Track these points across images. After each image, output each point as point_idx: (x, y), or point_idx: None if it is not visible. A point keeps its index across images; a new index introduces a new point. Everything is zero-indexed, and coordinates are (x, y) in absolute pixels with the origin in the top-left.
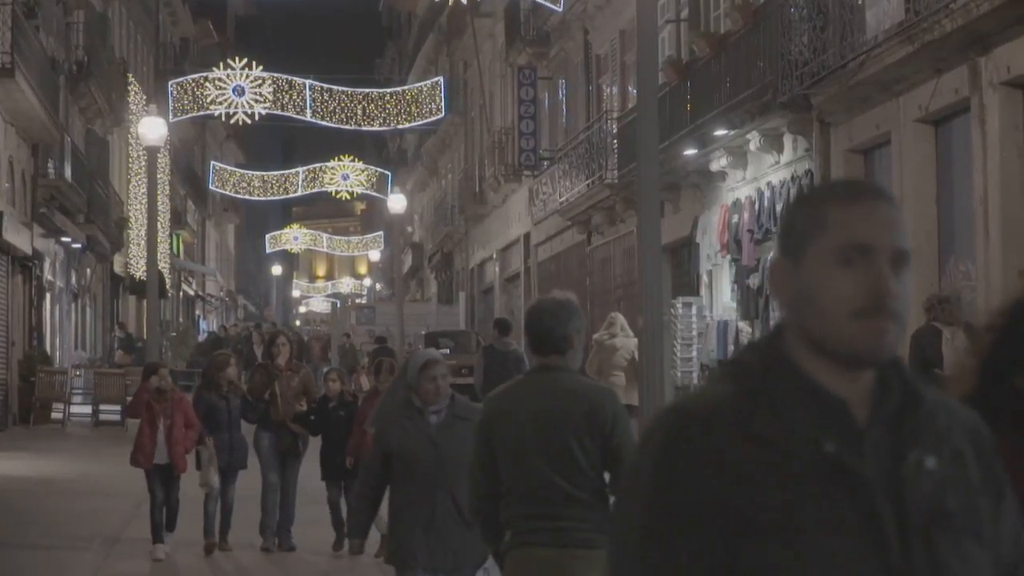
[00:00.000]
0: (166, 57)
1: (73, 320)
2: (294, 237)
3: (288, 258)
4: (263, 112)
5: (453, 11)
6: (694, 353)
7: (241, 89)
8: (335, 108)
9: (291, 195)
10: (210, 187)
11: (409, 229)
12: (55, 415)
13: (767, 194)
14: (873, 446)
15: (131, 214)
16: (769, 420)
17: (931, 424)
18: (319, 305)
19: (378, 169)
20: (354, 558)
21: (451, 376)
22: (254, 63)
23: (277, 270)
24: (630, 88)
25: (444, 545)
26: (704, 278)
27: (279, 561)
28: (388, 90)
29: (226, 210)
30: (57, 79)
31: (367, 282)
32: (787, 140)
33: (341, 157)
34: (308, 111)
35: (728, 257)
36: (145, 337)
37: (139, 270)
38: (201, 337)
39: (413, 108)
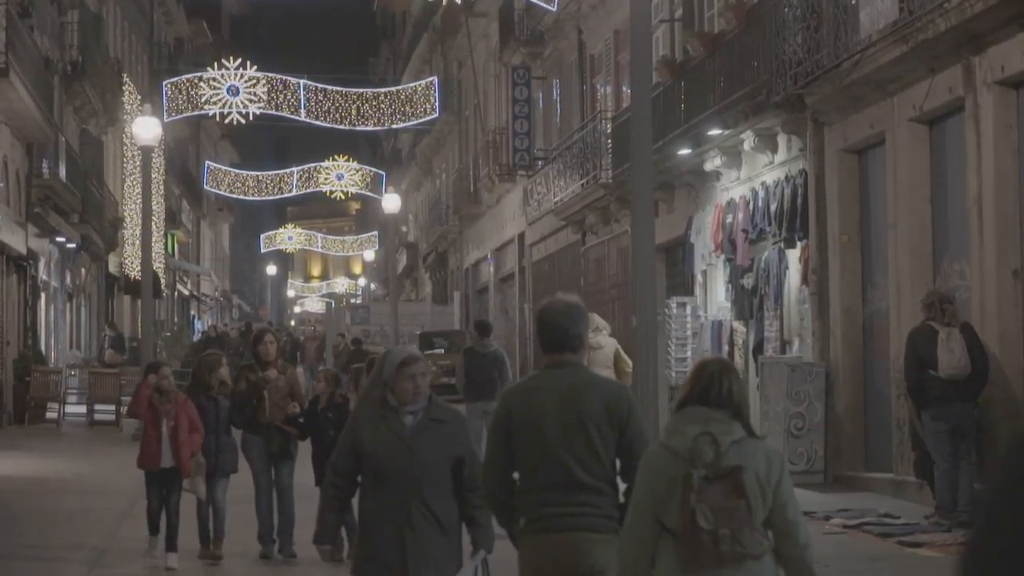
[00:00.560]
0: (160, 57)
1: (68, 320)
2: (289, 237)
3: (283, 258)
4: (257, 112)
5: (447, 11)
6: (688, 353)
7: (235, 89)
8: (329, 108)
9: (285, 195)
10: (204, 187)
11: (404, 229)
12: (50, 415)
13: (761, 194)
14: None
15: (125, 214)
16: None
17: None
18: (314, 305)
19: (372, 169)
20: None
21: (443, 376)
22: (248, 63)
23: (272, 270)
24: (624, 88)
25: (421, 554)
26: (698, 278)
27: (279, 571)
28: (382, 90)
29: (220, 210)
30: (51, 79)
31: (362, 282)
32: (781, 140)
33: (335, 157)
34: (302, 111)
35: (722, 257)
36: (140, 337)
37: (134, 270)
38: (196, 337)
39: (407, 108)
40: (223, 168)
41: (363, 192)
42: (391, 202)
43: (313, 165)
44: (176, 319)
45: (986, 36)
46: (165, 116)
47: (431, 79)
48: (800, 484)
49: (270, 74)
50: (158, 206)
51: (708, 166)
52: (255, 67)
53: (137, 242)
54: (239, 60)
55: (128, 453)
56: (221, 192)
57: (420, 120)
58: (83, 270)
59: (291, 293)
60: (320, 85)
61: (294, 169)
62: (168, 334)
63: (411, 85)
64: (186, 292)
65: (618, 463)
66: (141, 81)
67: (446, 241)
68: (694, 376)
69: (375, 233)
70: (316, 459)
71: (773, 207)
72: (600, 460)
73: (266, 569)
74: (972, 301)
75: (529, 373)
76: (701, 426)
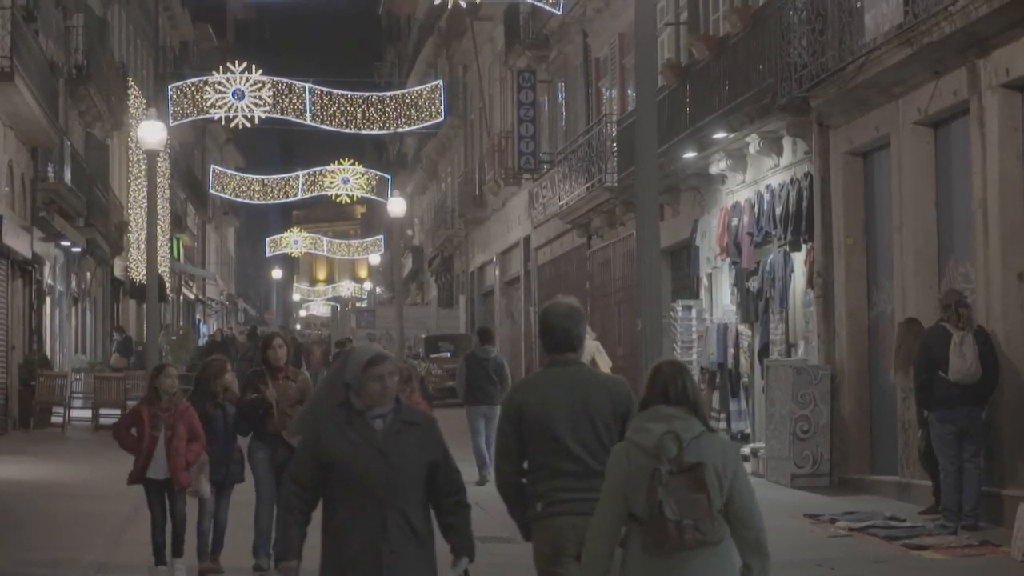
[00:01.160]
0: (165, 61)
1: (73, 324)
2: (294, 241)
3: (288, 262)
4: (263, 115)
5: (452, 14)
6: (694, 356)
7: (241, 93)
8: (335, 111)
9: (291, 199)
10: (210, 190)
11: (409, 232)
12: (55, 419)
13: (767, 197)
14: None
15: (131, 218)
16: None
17: None
18: (319, 308)
19: (378, 172)
20: None
21: (448, 380)
22: (254, 67)
23: (277, 274)
24: (629, 91)
25: (399, 568)
26: (704, 281)
27: None
28: (388, 93)
29: (226, 214)
30: (56, 83)
31: (367, 285)
32: (786, 143)
33: (341, 160)
34: (308, 114)
35: (727, 260)
36: (145, 341)
37: (139, 274)
38: (202, 341)
39: (413, 111)
40: (228, 172)
41: (368, 196)
42: (396, 206)
43: (318, 169)
44: (181, 323)
45: (991, 39)
46: (170, 120)
47: (436, 83)
48: (806, 487)
49: (275, 78)
50: (163, 210)
51: (713, 169)
52: (260, 71)
53: (142, 246)
54: (244, 64)
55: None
56: (226, 196)
57: (425, 124)
58: (88, 274)
59: (296, 297)
60: (325, 89)
61: (299, 173)
62: (174, 338)
63: (416, 89)
64: (191, 296)
65: None
66: (146, 85)
67: (451, 244)
68: (651, 378)
69: (380, 237)
70: None
71: (778, 210)
72: (606, 449)
73: None
74: (977, 304)
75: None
76: (665, 424)
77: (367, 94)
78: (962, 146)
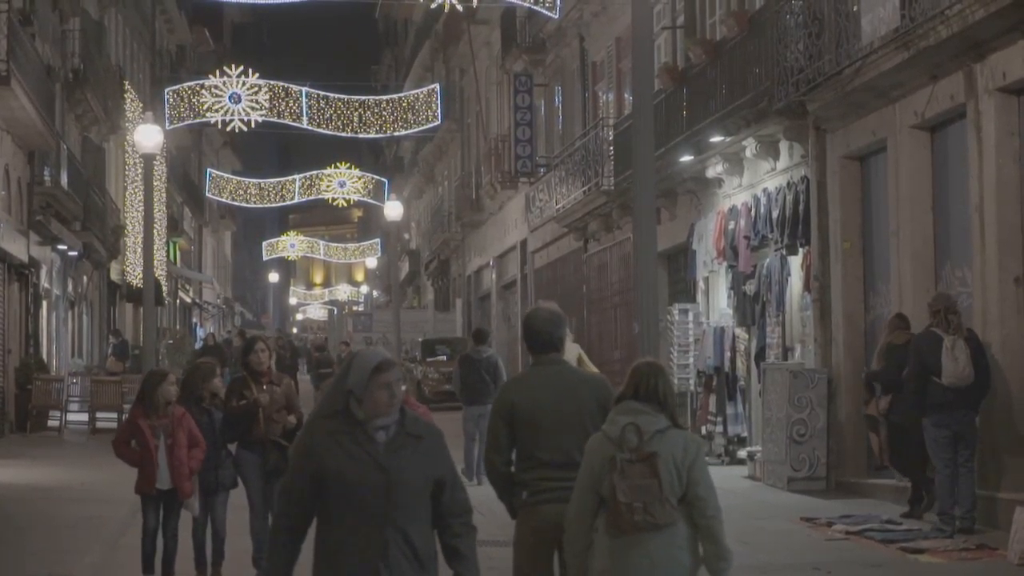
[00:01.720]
0: (162, 64)
1: (69, 328)
2: (291, 244)
3: (285, 265)
4: (259, 119)
5: (449, 18)
6: (691, 359)
7: (237, 96)
8: (331, 115)
9: (288, 202)
10: (207, 194)
11: (406, 236)
12: (52, 423)
13: (763, 200)
14: None
15: (127, 221)
16: None
17: None
18: (316, 312)
19: (375, 176)
20: None
21: (445, 383)
22: (250, 70)
23: (274, 277)
24: (626, 95)
25: None
26: (700, 284)
27: None
28: (384, 97)
29: (223, 217)
30: (53, 86)
31: (364, 289)
32: (783, 146)
33: (338, 164)
34: (304, 118)
35: (724, 263)
36: (142, 345)
37: (136, 277)
38: (199, 344)
39: (409, 115)
40: (225, 176)
41: (365, 199)
42: (393, 209)
43: (315, 172)
44: (178, 327)
45: (987, 43)
46: (167, 124)
47: (433, 86)
48: (802, 490)
49: (272, 81)
50: (160, 214)
51: (710, 173)
52: (257, 75)
53: (139, 250)
54: (241, 68)
55: None
56: (223, 200)
57: (422, 127)
58: (85, 278)
59: (293, 300)
60: (322, 92)
61: (296, 176)
62: (170, 341)
63: (413, 92)
64: (188, 300)
65: None
66: (143, 89)
67: (448, 248)
68: (629, 376)
69: (377, 240)
70: None
71: (775, 214)
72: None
73: None
74: (974, 308)
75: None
76: (631, 417)
77: (364, 98)
78: (959, 150)
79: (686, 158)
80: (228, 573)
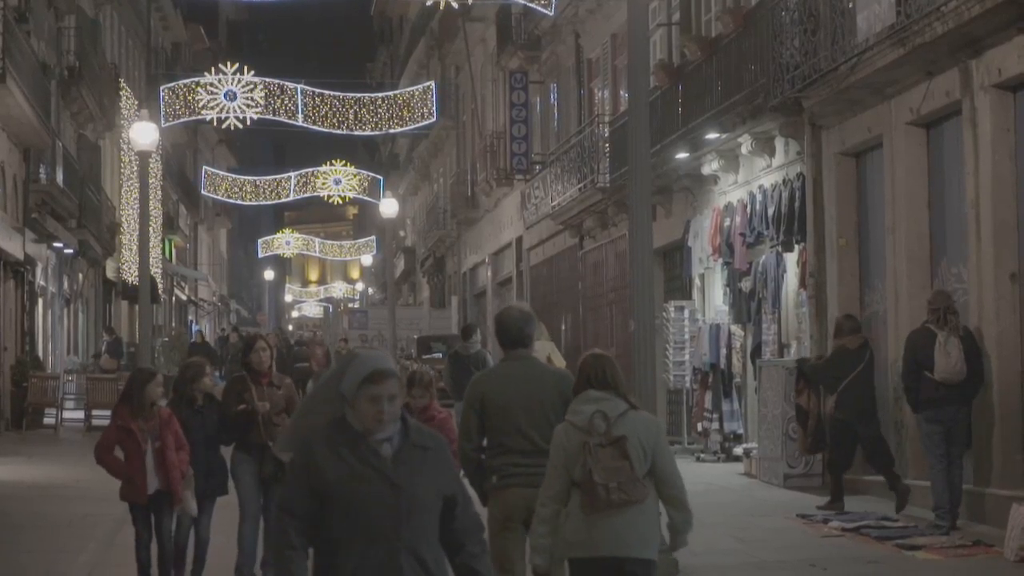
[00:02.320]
0: (158, 62)
1: (65, 325)
2: (286, 242)
3: (280, 263)
4: (255, 117)
5: (444, 15)
6: (686, 357)
7: (233, 94)
8: (327, 112)
9: (283, 199)
10: (202, 192)
11: (401, 233)
12: (47, 420)
13: (759, 197)
14: None
15: (123, 219)
16: None
17: None
18: (312, 310)
19: (370, 174)
20: None
21: (441, 381)
22: (246, 68)
23: (269, 275)
24: (621, 92)
25: None
26: (696, 281)
27: None
28: (380, 94)
29: (218, 215)
30: (48, 84)
31: (360, 286)
32: (779, 143)
33: (333, 161)
34: (300, 115)
35: (720, 260)
36: (138, 342)
37: (131, 275)
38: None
39: (405, 112)
40: (220, 173)
41: (361, 197)
42: (389, 207)
43: (311, 170)
44: (174, 324)
45: (983, 40)
46: (162, 121)
47: (428, 84)
48: (798, 487)
49: (267, 79)
50: (155, 211)
51: (706, 170)
52: (252, 72)
53: (135, 247)
54: (236, 65)
55: None
56: (219, 197)
57: (418, 125)
58: (80, 275)
59: (289, 298)
60: (317, 90)
61: (292, 174)
62: (166, 339)
63: (409, 90)
64: (184, 297)
65: None
66: (138, 86)
67: (444, 245)
68: (579, 369)
69: (373, 238)
70: None
71: (771, 211)
72: (552, 429)
73: None
74: (970, 305)
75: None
76: (594, 405)
77: (359, 95)
78: (955, 147)
79: (682, 155)
80: None
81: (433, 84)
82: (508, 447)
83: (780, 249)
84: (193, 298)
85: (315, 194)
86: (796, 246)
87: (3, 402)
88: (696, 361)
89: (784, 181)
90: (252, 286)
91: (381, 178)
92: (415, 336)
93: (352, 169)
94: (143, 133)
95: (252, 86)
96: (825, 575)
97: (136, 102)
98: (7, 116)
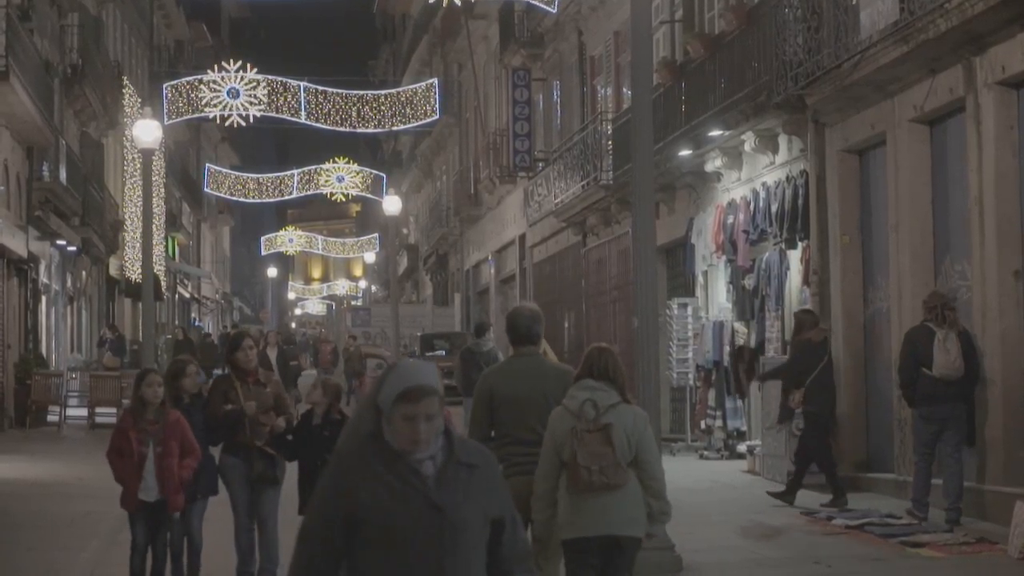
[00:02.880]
0: (160, 60)
1: (68, 323)
2: (289, 239)
3: (283, 260)
4: (257, 114)
5: (447, 13)
6: (689, 354)
7: (235, 91)
8: (330, 110)
9: (286, 197)
10: (205, 189)
11: (404, 231)
12: (51, 418)
13: (762, 195)
14: None
15: (126, 217)
16: None
17: None
18: (314, 307)
19: (373, 171)
20: None
21: (443, 378)
22: (248, 65)
23: (272, 272)
24: (624, 89)
25: None
26: (699, 279)
27: None
28: (382, 92)
29: (221, 212)
30: (51, 82)
31: (362, 284)
32: (782, 140)
33: (336, 159)
34: (303, 113)
35: (723, 258)
36: (141, 340)
37: (134, 273)
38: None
39: (408, 110)
40: (223, 171)
41: (363, 194)
42: (392, 204)
43: (313, 167)
44: (177, 322)
45: (987, 36)
46: (165, 119)
47: (431, 81)
48: (802, 485)
49: (270, 76)
50: (158, 209)
51: (709, 167)
52: (255, 69)
53: (138, 245)
54: (239, 63)
55: None
56: (221, 195)
57: (420, 122)
58: (84, 273)
59: (292, 295)
60: (320, 87)
61: (294, 171)
62: (169, 336)
63: (411, 87)
64: (187, 295)
65: None
66: (141, 84)
67: (447, 243)
68: (583, 359)
69: (376, 235)
70: (303, 484)
71: (774, 208)
72: None
73: None
74: (973, 302)
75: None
76: (588, 393)
77: (362, 93)
78: (958, 144)
79: (685, 152)
80: None
81: (436, 81)
82: (514, 437)
83: (783, 246)
84: (196, 296)
85: (318, 192)
86: (799, 243)
87: (6, 400)
88: (699, 358)
89: (787, 178)
90: (255, 284)
91: (384, 176)
92: (418, 334)
93: (355, 167)
94: (146, 131)
95: (255, 83)
96: (829, 572)
97: (139, 100)
98: (10, 114)
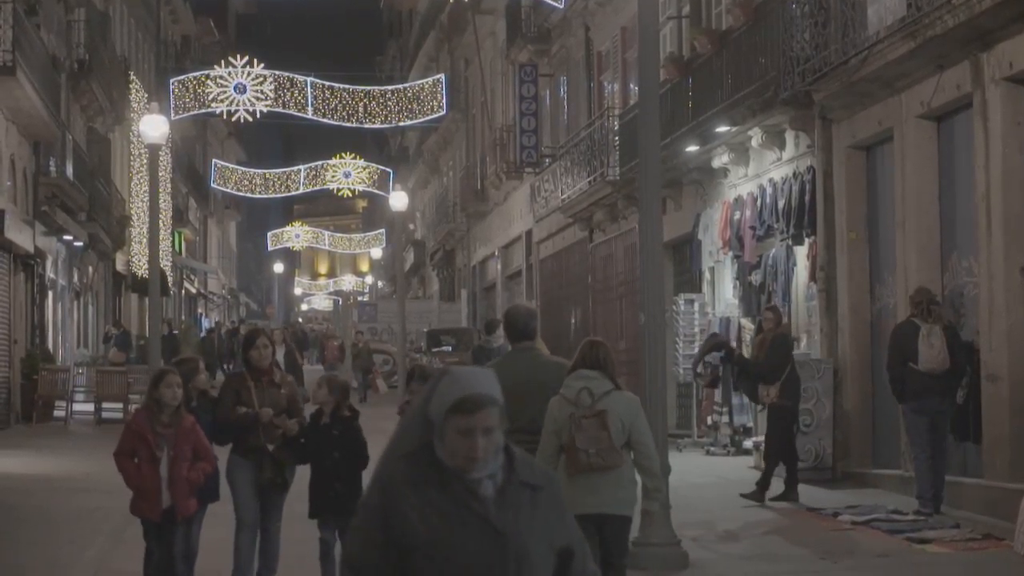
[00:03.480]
0: (167, 55)
1: (75, 318)
2: (296, 235)
3: (290, 256)
4: (264, 110)
5: (454, 8)
6: (696, 350)
7: (242, 87)
8: (336, 106)
9: (293, 193)
10: (212, 185)
11: (411, 226)
12: (57, 413)
13: (769, 191)
14: None
15: (132, 212)
16: None
17: None
18: (321, 303)
19: (379, 167)
20: None
21: None
22: (255, 61)
23: (279, 268)
24: (631, 85)
25: None
26: (706, 275)
27: None
28: (389, 87)
29: (228, 208)
30: (58, 77)
31: (369, 280)
32: (789, 136)
33: (342, 155)
34: (309, 109)
35: (730, 254)
36: (148, 336)
37: (141, 268)
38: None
39: (414, 105)
40: (230, 166)
41: (370, 190)
42: (398, 200)
43: (320, 163)
44: (183, 317)
45: (994, 32)
46: (172, 114)
47: (438, 77)
48: (808, 480)
49: (277, 72)
50: (165, 204)
51: (716, 163)
52: (262, 65)
53: (144, 240)
54: (246, 58)
55: None
56: (228, 190)
57: (427, 118)
58: (90, 268)
59: (298, 291)
60: (327, 83)
61: (301, 167)
62: (175, 332)
63: (418, 83)
64: (193, 290)
65: None
66: (148, 79)
67: (453, 239)
68: (578, 351)
69: (382, 231)
70: (314, 487)
71: (781, 204)
72: None
73: None
74: (980, 298)
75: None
76: (584, 382)
77: (369, 88)
78: (965, 140)
79: (692, 148)
80: None
81: (443, 77)
82: (515, 426)
83: (790, 242)
84: (202, 291)
85: (324, 187)
86: (806, 239)
87: (13, 395)
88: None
89: (794, 174)
90: (261, 279)
91: (390, 171)
92: (424, 329)
93: (361, 162)
94: (153, 126)
95: (262, 79)
96: (835, 568)
97: (146, 95)
98: (17, 109)
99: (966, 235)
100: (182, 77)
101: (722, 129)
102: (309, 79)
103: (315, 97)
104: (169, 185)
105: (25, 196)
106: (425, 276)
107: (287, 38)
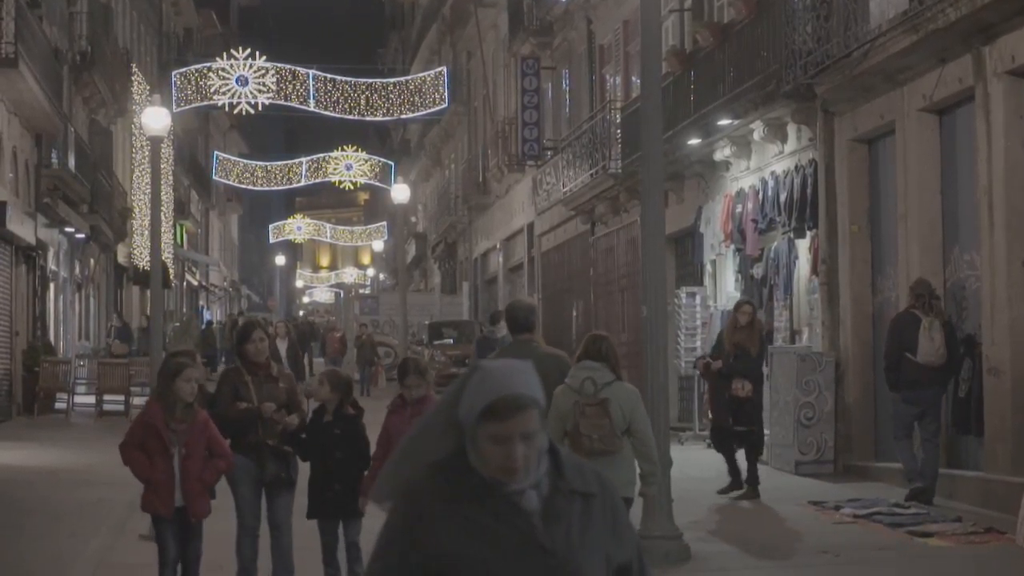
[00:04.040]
0: (169, 47)
1: (77, 310)
2: (297, 227)
3: (291, 248)
4: (266, 102)
5: (456, 1)
6: (698, 343)
7: (244, 79)
8: (338, 98)
9: (294, 185)
10: (213, 177)
11: (412, 219)
12: (59, 405)
13: (771, 184)
14: None
15: (134, 204)
16: None
17: None
18: (323, 295)
19: (381, 159)
20: None
21: (452, 366)
22: (257, 53)
23: (280, 260)
24: (633, 78)
25: None
26: (708, 268)
27: None
28: (391, 80)
29: (229, 200)
30: (60, 69)
31: (370, 272)
32: (791, 130)
33: (344, 147)
34: (311, 101)
35: (732, 247)
36: (150, 328)
37: (142, 260)
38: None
39: (416, 98)
40: (232, 158)
41: (372, 182)
42: (400, 192)
43: (322, 155)
44: (185, 309)
45: (996, 26)
46: (174, 106)
47: (440, 69)
48: (810, 474)
49: (279, 64)
50: (167, 196)
51: (718, 156)
52: (264, 57)
53: (146, 232)
54: (248, 50)
55: None
56: (230, 182)
57: (429, 110)
58: (92, 260)
59: (300, 283)
60: (329, 75)
61: (303, 159)
62: (177, 324)
63: (420, 75)
64: (195, 283)
65: None
66: (150, 71)
67: (455, 231)
68: (582, 344)
69: (384, 223)
70: (314, 486)
71: (783, 197)
72: None
73: None
74: (982, 291)
75: None
76: (588, 372)
77: (371, 81)
78: (967, 133)
79: (694, 141)
80: None
81: (445, 70)
82: None
83: (792, 236)
84: (204, 283)
85: (326, 180)
86: (808, 232)
87: (15, 387)
88: (707, 347)
89: (796, 167)
90: (263, 271)
91: (392, 164)
92: (426, 322)
93: (363, 155)
94: (155, 118)
95: (264, 71)
96: (837, 562)
97: (148, 87)
98: (19, 101)
99: (968, 229)
100: (184, 69)
101: (724, 122)
102: (311, 71)
103: (317, 89)
104: (171, 177)
105: (27, 188)
106: (427, 269)
107: (289, 30)
